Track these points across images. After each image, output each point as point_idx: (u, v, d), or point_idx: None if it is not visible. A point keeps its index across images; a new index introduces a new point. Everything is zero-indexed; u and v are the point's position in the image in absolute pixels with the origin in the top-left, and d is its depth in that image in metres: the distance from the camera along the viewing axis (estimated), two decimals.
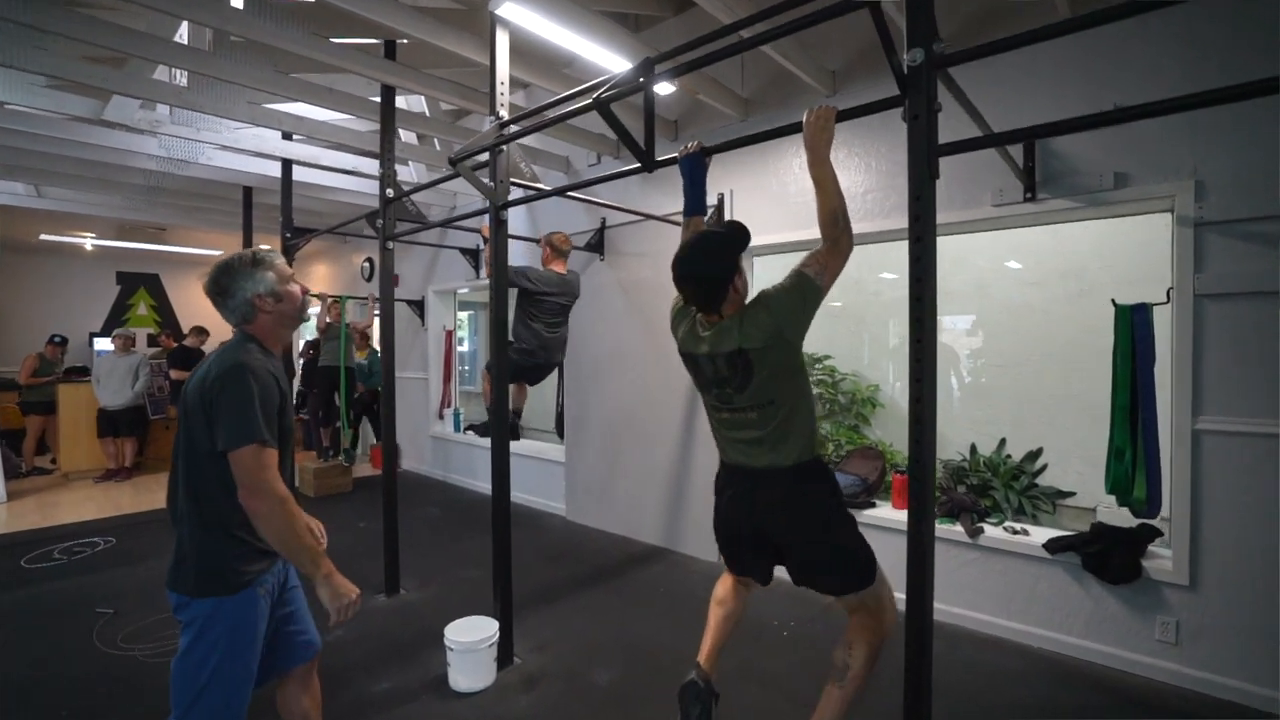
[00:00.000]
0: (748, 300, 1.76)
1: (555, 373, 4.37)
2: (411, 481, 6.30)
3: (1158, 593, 2.52)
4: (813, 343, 4.28)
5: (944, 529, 3.02)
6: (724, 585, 2.05)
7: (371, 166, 5.00)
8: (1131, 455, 2.60)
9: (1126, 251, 3.63)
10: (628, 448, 4.35)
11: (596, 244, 4.46)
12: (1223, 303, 2.35)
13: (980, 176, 2.85)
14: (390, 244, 3.39)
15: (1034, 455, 3.94)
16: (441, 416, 6.60)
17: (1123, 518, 3.52)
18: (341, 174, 5.38)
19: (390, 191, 3.33)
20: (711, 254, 1.71)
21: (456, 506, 5.41)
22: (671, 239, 3.88)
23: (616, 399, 4.42)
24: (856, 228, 3.11)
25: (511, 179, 2.61)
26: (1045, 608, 2.75)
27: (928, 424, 1.40)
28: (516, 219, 4.96)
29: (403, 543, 3.55)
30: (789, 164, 3.57)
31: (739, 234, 1.77)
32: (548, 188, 2.67)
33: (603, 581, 3.62)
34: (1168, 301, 2.55)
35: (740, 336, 1.66)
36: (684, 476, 4.00)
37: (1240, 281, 2.31)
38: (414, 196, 5.23)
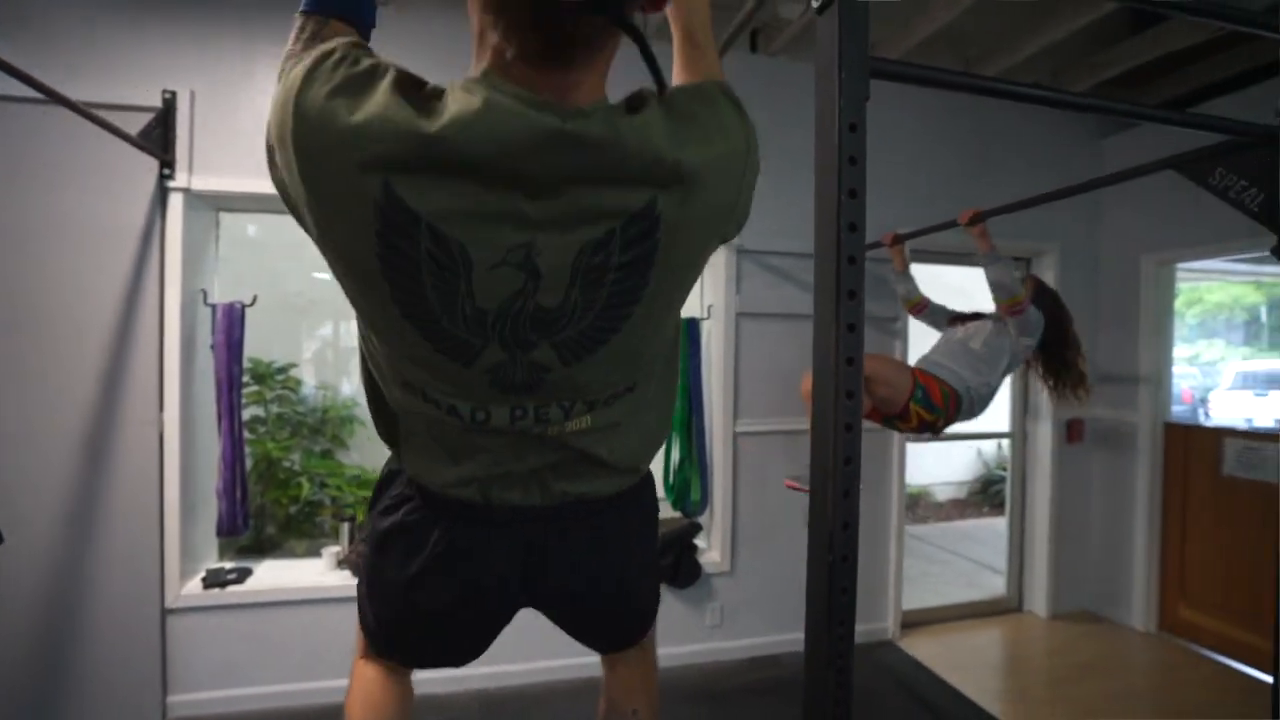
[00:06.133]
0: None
1: None
2: None
3: (708, 584, 2.74)
4: (275, 347, 3.28)
5: None
6: (373, 689, 1.00)
7: None
8: (687, 462, 2.76)
9: None
10: None
11: None
12: (754, 320, 2.74)
13: None
14: None
15: None
16: None
17: None
18: None
19: None
20: None
21: None
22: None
23: None
24: None
25: None
26: None
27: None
28: None
29: None
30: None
31: None
32: None
33: None
34: (708, 317, 2.83)
35: (668, 143, 0.61)
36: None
37: (765, 303, 2.74)
38: None
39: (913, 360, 2.33)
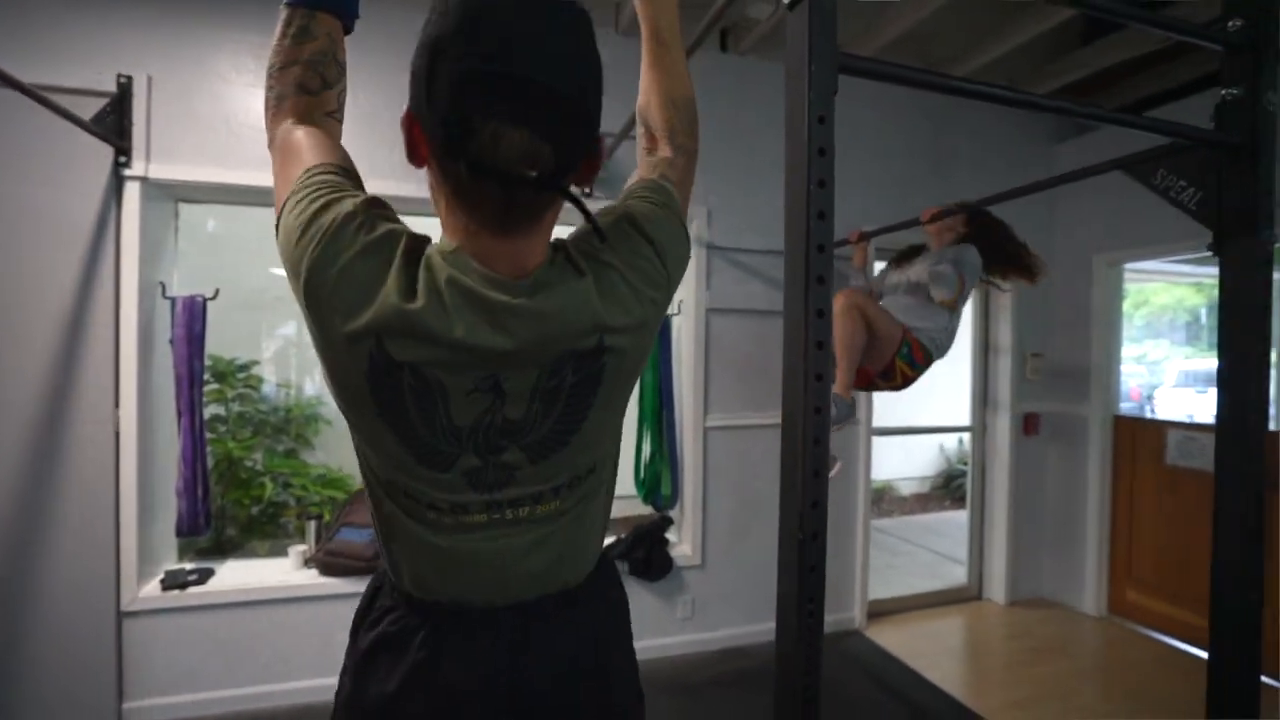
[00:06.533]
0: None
1: None
2: None
3: (680, 577, 2.77)
4: (236, 345, 3.22)
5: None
6: None
7: None
8: (658, 456, 2.78)
9: None
10: None
11: None
12: (724, 316, 2.78)
13: None
14: None
15: None
16: None
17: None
18: None
19: None
20: (579, 33, 0.65)
21: None
22: None
23: None
24: (397, 189, 2.27)
25: None
26: None
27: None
28: None
29: None
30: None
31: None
32: None
33: None
34: (678, 313, 2.86)
35: (603, 310, 0.73)
36: None
37: (734, 299, 2.78)
38: None
39: None
